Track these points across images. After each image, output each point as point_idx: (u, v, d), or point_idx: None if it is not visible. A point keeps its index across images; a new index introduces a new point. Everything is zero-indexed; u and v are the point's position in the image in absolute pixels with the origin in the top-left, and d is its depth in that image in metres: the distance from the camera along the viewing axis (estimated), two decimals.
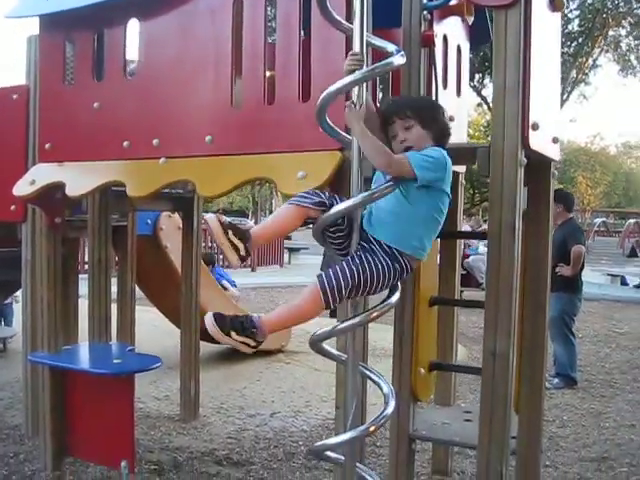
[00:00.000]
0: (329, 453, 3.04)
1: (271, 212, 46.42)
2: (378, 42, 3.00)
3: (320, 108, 2.84)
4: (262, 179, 3.71)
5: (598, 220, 28.36)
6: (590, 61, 30.09)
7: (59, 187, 4.54)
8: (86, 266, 5.74)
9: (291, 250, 24.34)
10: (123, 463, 4.35)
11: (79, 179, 4.45)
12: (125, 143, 4.30)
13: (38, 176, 4.65)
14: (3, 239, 6.27)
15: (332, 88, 2.82)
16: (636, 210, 33.96)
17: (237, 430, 6.04)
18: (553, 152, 3.78)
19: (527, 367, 3.90)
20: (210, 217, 2.91)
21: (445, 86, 4.31)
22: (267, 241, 3.06)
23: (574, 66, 28.64)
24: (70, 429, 4.72)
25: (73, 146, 4.59)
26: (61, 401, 4.71)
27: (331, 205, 2.88)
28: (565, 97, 29.57)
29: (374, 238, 2.92)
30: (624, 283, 18.10)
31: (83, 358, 4.89)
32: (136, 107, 4.32)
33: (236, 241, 2.86)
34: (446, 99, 4.28)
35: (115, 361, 4.64)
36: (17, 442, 5.46)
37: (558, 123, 3.94)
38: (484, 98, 30.18)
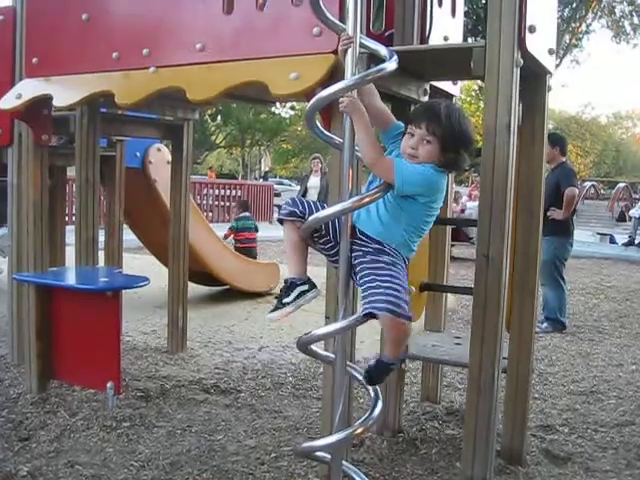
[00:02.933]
0: (315, 348, 2.99)
1: (260, 174, 46.26)
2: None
3: None
4: (253, 82, 3.62)
5: (588, 184, 28.32)
6: (584, 26, 29.92)
7: (46, 100, 4.44)
8: (73, 218, 5.64)
9: (280, 207, 24.16)
10: (109, 384, 4.31)
11: (67, 91, 4.36)
12: (114, 54, 4.21)
13: (25, 90, 4.55)
14: None
15: None
16: (625, 180, 33.96)
17: (225, 362, 6.02)
18: (549, 63, 3.71)
19: (519, 277, 3.86)
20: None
21: (440, 4, 4.23)
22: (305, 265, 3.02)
23: (567, 31, 28.46)
24: (55, 352, 4.67)
25: (61, 59, 4.49)
26: (46, 322, 4.64)
27: (310, 213, 2.85)
28: (557, 62, 29.43)
29: (365, 234, 2.83)
30: (613, 242, 18.17)
31: (69, 277, 4.82)
32: (126, 17, 4.23)
33: (301, 300, 2.98)
34: (440, 18, 4.21)
35: (102, 279, 4.58)
36: (2, 370, 5.40)
37: (553, 36, 3.85)
38: None
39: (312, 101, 2.67)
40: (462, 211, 13.93)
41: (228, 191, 21.88)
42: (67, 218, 8.86)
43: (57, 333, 4.63)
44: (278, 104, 42.03)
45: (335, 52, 3.42)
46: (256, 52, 3.71)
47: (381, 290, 2.67)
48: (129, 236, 7.99)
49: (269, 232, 18.23)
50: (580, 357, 6.65)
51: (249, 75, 3.65)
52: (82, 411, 4.56)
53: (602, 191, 31.07)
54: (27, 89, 4.54)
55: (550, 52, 3.72)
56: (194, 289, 8.23)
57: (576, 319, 8.43)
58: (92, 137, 5.15)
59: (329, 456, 2.93)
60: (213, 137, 42.25)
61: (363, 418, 2.78)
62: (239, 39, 3.80)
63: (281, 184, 38.82)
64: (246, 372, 5.72)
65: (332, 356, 2.93)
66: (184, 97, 3.84)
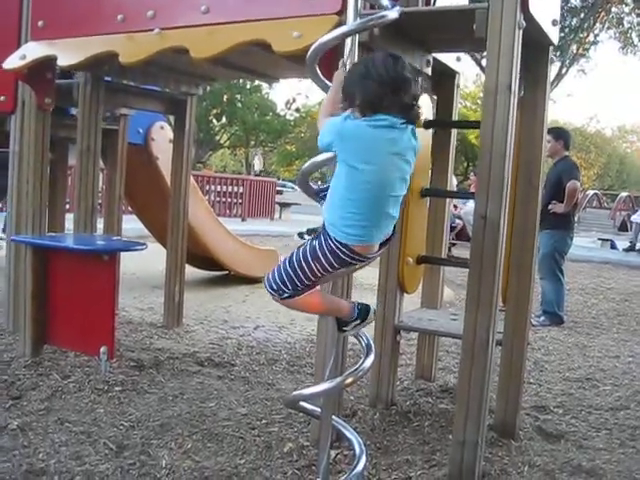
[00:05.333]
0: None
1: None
2: None
3: None
4: (257, 41, 3.60)
5: (591, 192, 28.33)
6: (591, 36, 29.93)
7: (50, 63, 4.45)
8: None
9: (282, 205, 24.13)
10: (102, 349, 4.31)
11: (71, 51, 4.36)
12: (119, 17, 4.21)
13: (29, 51, 4.57)
14: None
15: None
16: (628, 193, 34.07)
17: (220, 338, 6.01)
18: (552, 33, 3.71)
19: (517, 248, 3.86)
20: None
21: None
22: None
23: (575, 40, 28.46)
24: (50, 316, 4.67)
25: (66, 22, 4.50)
26: (42, 285, 4.64)
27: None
28: (564, 72, 29.47)
29: None
30: (613, 247, 18.13)
31: (67, 241, 4.82)
32: None
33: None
34: None
35: (99, 243, 4.57)
36: None
37: (557, 8, 3.85)
38: (483, 69, 29.88)
39: (313, 46, 2.66)
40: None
41: (230, 187, 21.84)
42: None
43: (52, 297, 4.63)
44: (283, 105, 42.31)
45: (338, 13, 3.44)
46: (260, 14, 3.70)
47: (276, 266, 2.71)
48: (128, 224, 7.94)
49: (270, 227, 18.36)
50: (577, 348, 6.63)
51: (253, 34, 3.64)
52: (74, 374, 4.55)
53: (605, 204, 31.07)
54: (31, 50, 4.55)
55: (553, 23, 3.71)
56: (192, 273, 8.24)
57: (574, 315, 8.39)
58: (95, 106, 5.15)
59: (319, 410, 2.91)
60: (217, 137, 42.31)
61: (354, 369, 2.77)
62: (244, 1, 3.80)
63: (283, 187, 38.13)
64: (241, 348, 5.71)
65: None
66: (187, 57, 3.83)
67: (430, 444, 3.84)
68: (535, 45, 3.66)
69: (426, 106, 4.21)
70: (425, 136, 4.24)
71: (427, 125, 4.19)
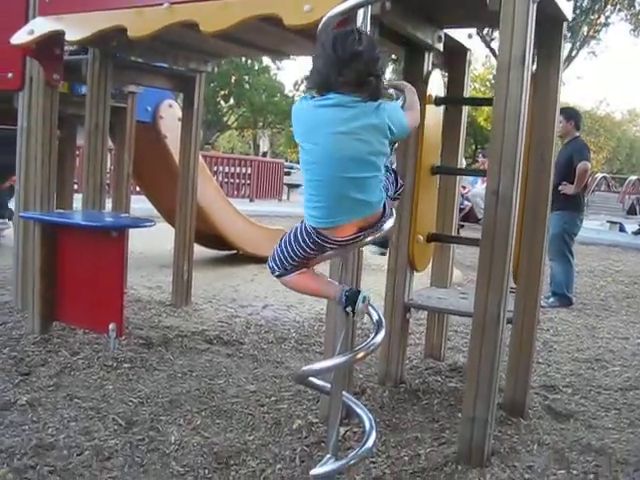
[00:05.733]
0: None
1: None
2: None
3: None
4: (267, 15, 3.56)
5: (599, 175, 28.16)
6: (602, 18, 29.67)
7: (58, 39, 4.42)
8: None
9: (290, 186, 24.08)
10: (111, 325, 4.31)
11: (79, 26, 4.32)
12: None
13: (37, 26, 4.53)
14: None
15: None
16: (638, 177, 33.86)
17: (228, 316, 6.02)
18: (565, 8, 3.66)
19: (528, 225, 3.83)
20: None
21: None
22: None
23: (585, 22, 28.23)
24: (59, 293, 4.67)
25: None
26: (51, 262, 4.64)
27: None
28: (575, 54, 29.26)
29: None
30: (622, 230, 18.01)
31: (75, 217, 4.81)
32: None
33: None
34: None
35: (107, 219, 4.56)
36: (6, 314, 5.38)
37: None
38: (493, 50, 29.69)
39: (324, 19, 2.62)
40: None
41: (238, 168, 21.80)
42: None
43: (61, 273, 4.63)
44: (292, 87, 42.12)
45: None
46: None
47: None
48: (136, 204, 7.93)
49: (279, 208, 18.35)
50: (586, 329, 6.60)
51: (263, 8, 3.59)
52: (83, 351, 4.57)
53: (614, 188, 30.91)
54: (39, 25, 4.52)
55: None
56: (201, 252, 8.23)
57: (583, 297, 8.35)
58: (104, 83, 5.13)
59: (328, 386, 2.90)
60: (225, 118, 42.18)
61: (365, 343, 2.73)
62: None
63: (291, 168, 37.72)
64: (249, 327, 5.72)
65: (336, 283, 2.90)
66: (197, 32, 3.79)
67: (439, 422, 3.84)
68: (549, 20, 3.62)
69: (437, 83, 4.17)
70: (436, 113, 4.22)
71: (438, 102, 4.15)
